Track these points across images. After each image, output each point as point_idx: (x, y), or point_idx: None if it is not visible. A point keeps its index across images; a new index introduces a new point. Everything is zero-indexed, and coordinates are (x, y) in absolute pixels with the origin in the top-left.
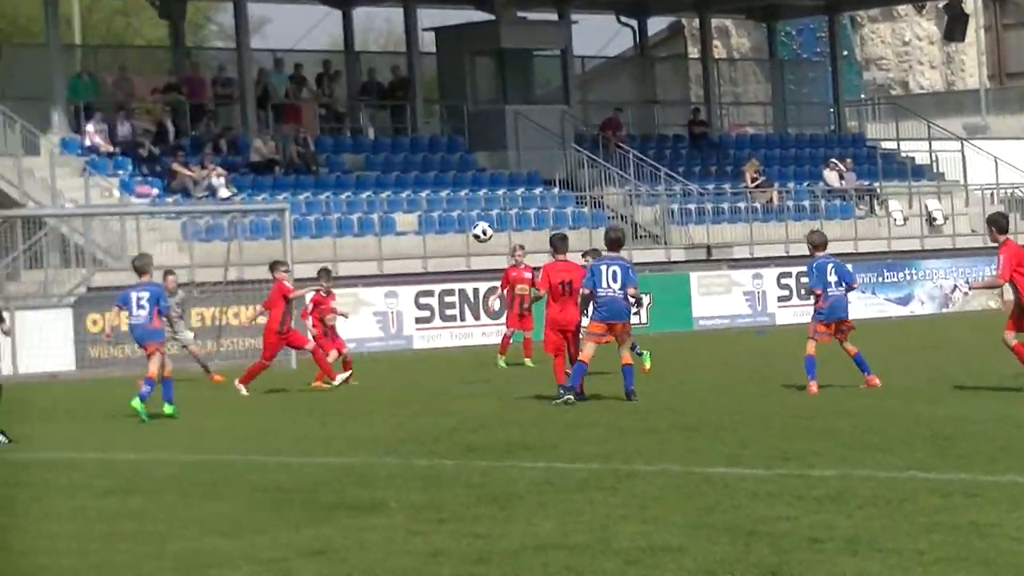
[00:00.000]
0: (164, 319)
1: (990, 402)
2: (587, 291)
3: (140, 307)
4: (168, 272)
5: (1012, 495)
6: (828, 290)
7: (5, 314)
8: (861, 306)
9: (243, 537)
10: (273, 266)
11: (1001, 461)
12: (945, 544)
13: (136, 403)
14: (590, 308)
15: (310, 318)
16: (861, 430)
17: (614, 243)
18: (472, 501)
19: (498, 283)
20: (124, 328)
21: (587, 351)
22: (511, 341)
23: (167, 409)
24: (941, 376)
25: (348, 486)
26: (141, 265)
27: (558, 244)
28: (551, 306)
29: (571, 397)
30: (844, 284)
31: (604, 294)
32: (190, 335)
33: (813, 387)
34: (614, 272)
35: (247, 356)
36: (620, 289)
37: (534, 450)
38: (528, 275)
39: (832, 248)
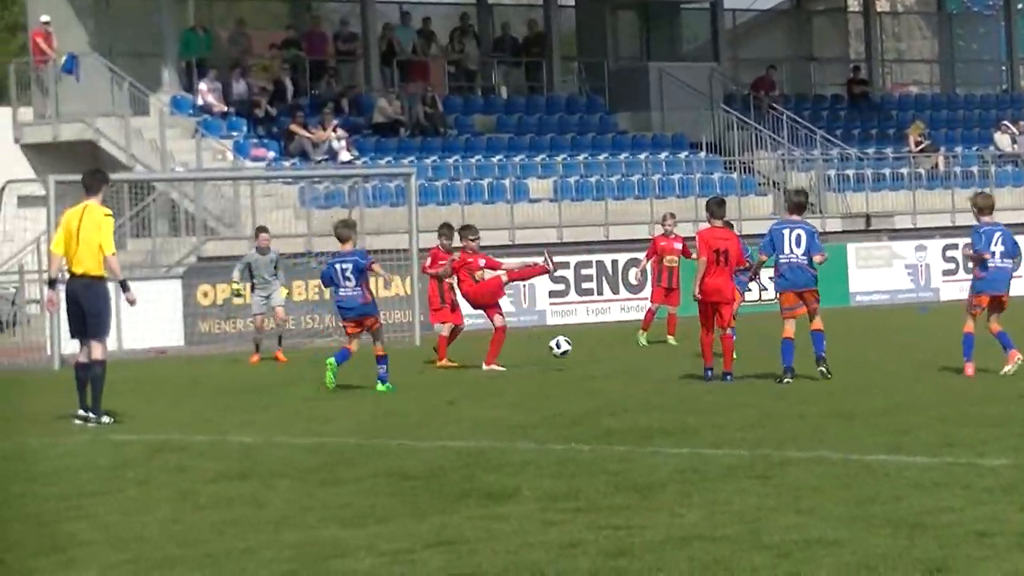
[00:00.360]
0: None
1: None
2: (764, 257)
3: (347, 279)
4: (261, 229)
5: None
6: (991, 260)
7: (130, 283)
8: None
9: (364, 526)
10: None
11: None
12: None
13: (381, 387)
14: (762, 276)
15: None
16: None
17: (797, 207)
18: (610, 489)
19: (641, 254)
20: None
21: (788, 327)
22: (655, 317)
23: (381, 387)
24: None
25: (477, 472)
26: (343, 232)
27: (715, 209)
28: (705, 276)
29: (789, 379)
30: (1011, 257)
31: (787, 261)
32: (281, 298)
33: (969, 369)
34: (798, 236)
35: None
36: (803, 255)
37: (677, 435)
38: (678, 245)
39: (1007, 217)
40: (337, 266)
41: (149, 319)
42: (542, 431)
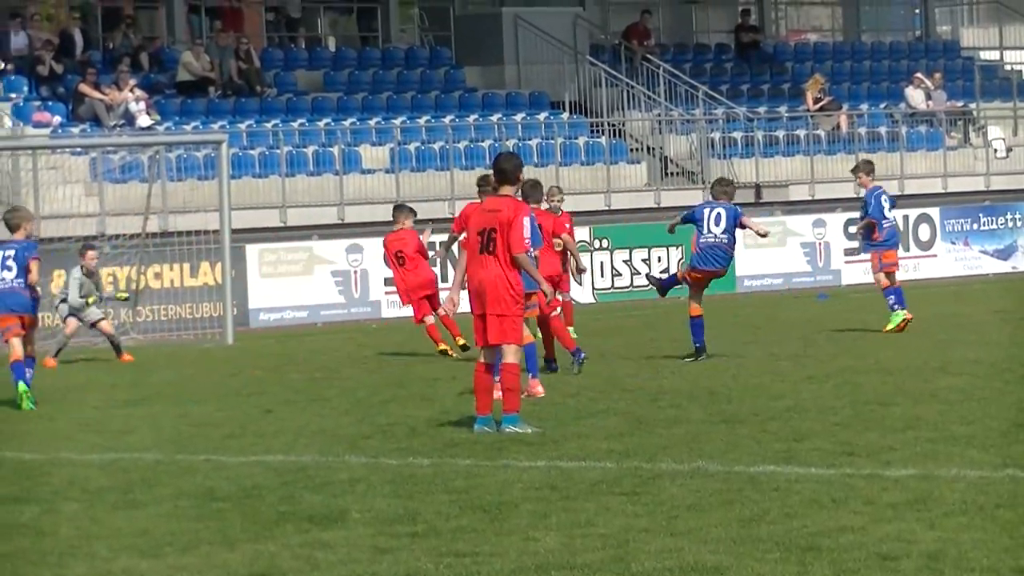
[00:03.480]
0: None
1: None
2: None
3: (6, 268)
4: (88, 246)
5: None
6: (884, 222)
7: None
8: (950, 260)
9: (165, 556)
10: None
11: None
12: None
13: (23, 387)
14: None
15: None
16: (948, 419)
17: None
18: (454, 510)
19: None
20: None
21: (696, 306)
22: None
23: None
24: None
25: (298, 492)
26: (15, 220)
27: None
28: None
29: (704, 358)
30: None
31: (705, 240)
32: (98, 312)
33: (903, 318)
34: (718, 215)
35: (170, 328)
36: (723, 233)
37: (532, 446)
38: (568, 224)
39: (919, 186)
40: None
41: None
42: (375, 443)
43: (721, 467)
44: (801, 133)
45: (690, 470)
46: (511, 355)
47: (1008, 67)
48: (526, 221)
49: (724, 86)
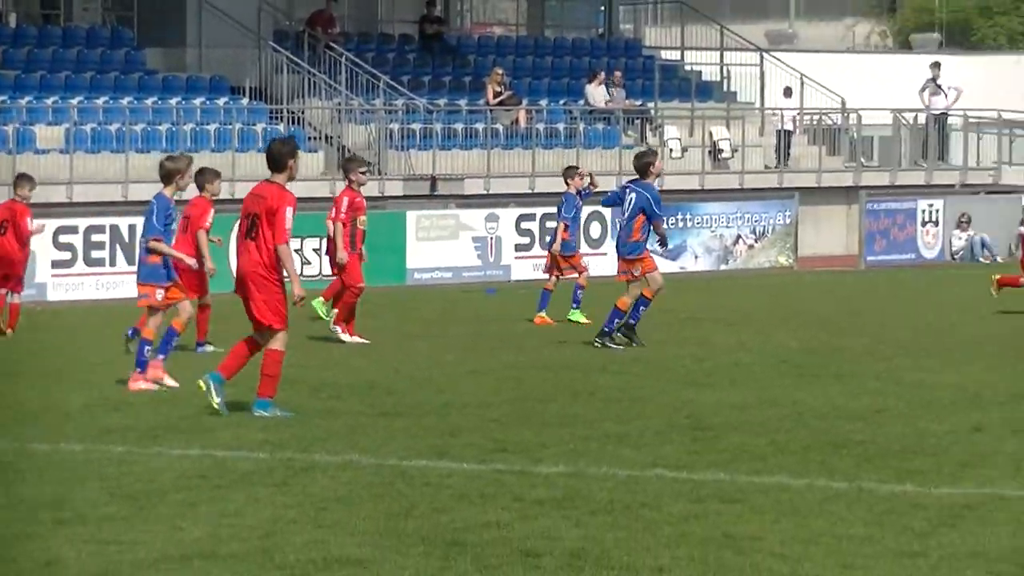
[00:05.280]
0: None
1: (768, 385)
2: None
3: None
4: None
5: (778, 502)
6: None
7: None
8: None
9: None
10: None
11: (771, 459)
12: (692, 561)
13: None
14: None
15: None
16: (603, 417)
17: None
18: (103, 498)
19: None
20: None
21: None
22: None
23: None
24: (712, 352)
25: None
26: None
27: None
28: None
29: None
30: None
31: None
32: None
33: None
34: (631, 200)
35: None
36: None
37: (187, 434)
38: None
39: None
40: None
41: None
42: (26, 429)
43: (374, 460)
44: (480, 127)
45: (343, 462)
46: (277, 342)
47: (688, 67)
48: (289, 212)
49: (406, 77)
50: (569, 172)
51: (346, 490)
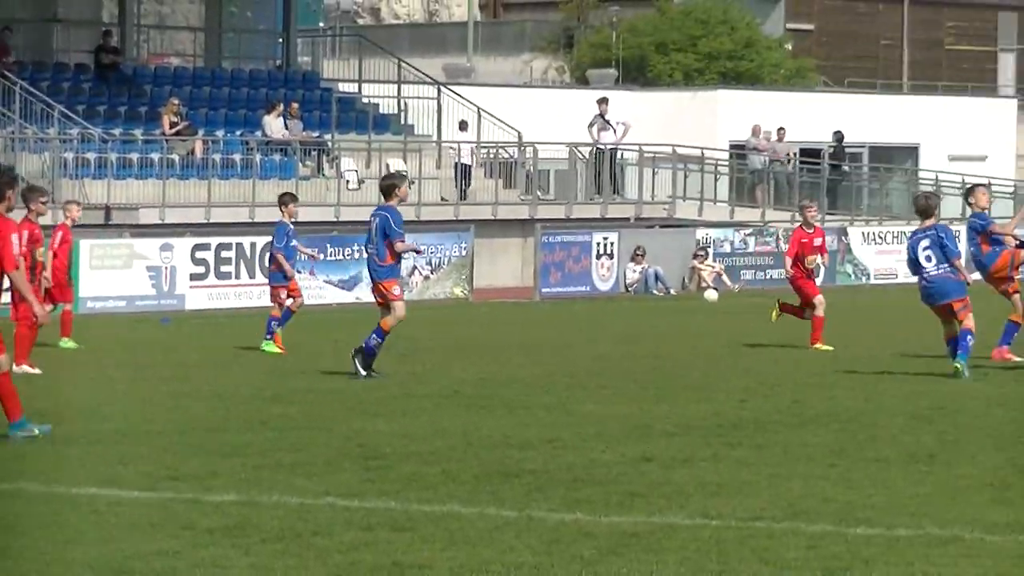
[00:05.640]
0: None
1: (440, 415)
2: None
3: None
4: None
5: (449, 530)
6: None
7: None
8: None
9: None
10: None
11: (442, 488)
12: None
13: None
14: None
15: None
16: (275, 447)
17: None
18: None
19: None
20: None
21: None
22: None
23: None
24: (383, 383)
25: None
26: None
27: None
28: None
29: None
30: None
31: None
32: None
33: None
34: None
35: None
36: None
37: None
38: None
39: (267, 215)
40: None
41: None
42: None
43: (43, 488)
44: (156, 156)
45: (11, 490)
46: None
47: (366, 100)
48: (14, 238)
49: (81, 106)
50: (283, 200)
51: (14, 519)
